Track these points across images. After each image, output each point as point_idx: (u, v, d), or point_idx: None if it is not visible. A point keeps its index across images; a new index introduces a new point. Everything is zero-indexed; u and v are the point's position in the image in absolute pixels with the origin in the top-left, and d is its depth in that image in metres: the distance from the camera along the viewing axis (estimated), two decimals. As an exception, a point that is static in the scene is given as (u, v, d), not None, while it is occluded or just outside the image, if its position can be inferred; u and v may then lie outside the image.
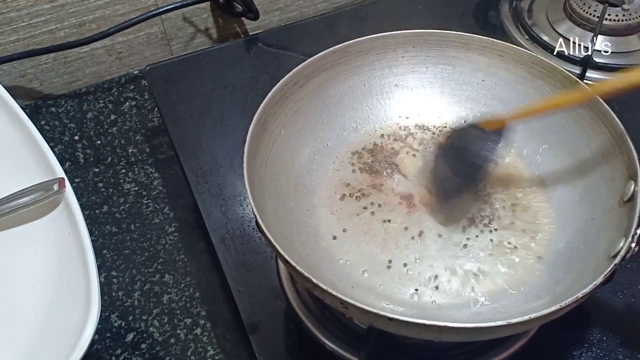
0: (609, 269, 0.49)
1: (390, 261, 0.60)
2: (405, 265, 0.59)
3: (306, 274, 0.49)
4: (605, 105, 0.60)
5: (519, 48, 0.66)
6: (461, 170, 0.63)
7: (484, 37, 0.67)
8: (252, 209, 0.53)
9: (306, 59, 0.66)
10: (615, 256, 0.50)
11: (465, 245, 0.60)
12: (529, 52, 0.66)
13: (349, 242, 0.61)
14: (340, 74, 0.69)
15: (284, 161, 0.64)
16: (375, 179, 0.66)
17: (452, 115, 0.70)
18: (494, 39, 0.67)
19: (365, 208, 0.63)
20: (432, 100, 0.71)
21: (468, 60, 0.69)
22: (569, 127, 0.64)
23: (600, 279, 0.48)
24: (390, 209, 0.63)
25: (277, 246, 0.51)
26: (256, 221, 0.53)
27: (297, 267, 0.50)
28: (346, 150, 0.68)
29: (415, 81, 0.71)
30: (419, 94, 0.71)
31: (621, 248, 0.50)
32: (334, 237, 0.62)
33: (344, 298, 0.48)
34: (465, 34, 0.68)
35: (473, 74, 0.69)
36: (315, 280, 0.49)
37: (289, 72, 0.64)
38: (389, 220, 0.63)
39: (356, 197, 0.64)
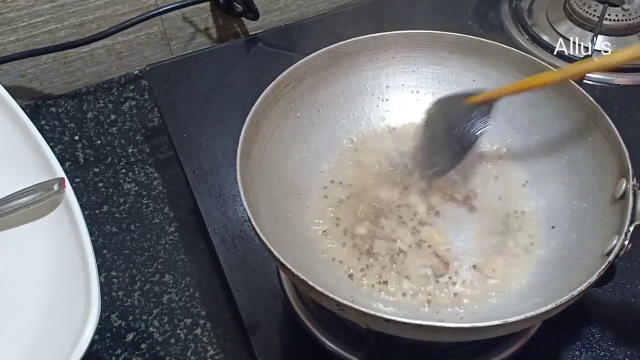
0: (603, 266, 0.49)
1: (385, 264, 0.60)
2: (400, 264, 0.60)
3: (302, 276, 0.49)
4: (595, 102, 0.60)
5: (509, 48, 0.66)
6: (454, 138, 0.64)
7: (474, 37, 0.68)
8: (246, 211, 0.53)
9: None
10: (609, 254, 0.50)
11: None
12: (519, 51, 0.66)
13: (344, 243, 0.62)
14: (331, 75, 0.69)
15: (276, 163, 0.64)
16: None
17: None
18: (484, 39, 0.67)
19: (359, 209, 0.64)
20: (424, 101, 0.71)
21: (459, 60, 0.69)
22: (559, 124, 0.64)
23: (594, 277, 0.48)
24: (386, 211, 0.64)
25: (271, 249, 0.51)
26: (250, 224, 0.53)
27: (293, 270, 0.50)
28: (338, 151, 0.69)
29: (406, 82, 0.71)
30: (410, 94, 0.71)
31: (615, 245, 0.51)
32: (329, 239, 0.62)
33: (340, 300, 0.48)
34: (455, 34, 0.68)
35: (464, 74, 0.69)
36: (310, 283, 0.49)
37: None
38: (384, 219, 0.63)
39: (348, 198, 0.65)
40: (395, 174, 0.66)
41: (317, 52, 0.67)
